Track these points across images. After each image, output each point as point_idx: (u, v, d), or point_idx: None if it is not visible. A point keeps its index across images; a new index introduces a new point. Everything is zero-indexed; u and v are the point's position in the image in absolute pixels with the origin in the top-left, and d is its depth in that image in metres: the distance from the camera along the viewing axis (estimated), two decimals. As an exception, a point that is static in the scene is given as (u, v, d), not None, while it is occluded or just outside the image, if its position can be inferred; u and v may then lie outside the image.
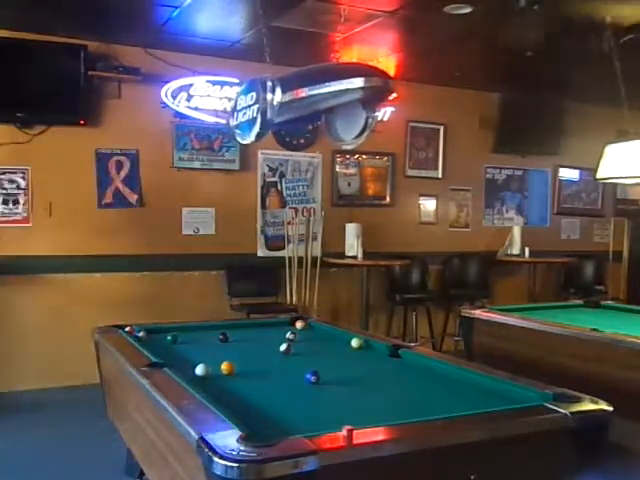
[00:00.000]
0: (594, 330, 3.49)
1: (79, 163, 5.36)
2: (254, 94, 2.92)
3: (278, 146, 6.01)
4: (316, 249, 6.17)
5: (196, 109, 5.54)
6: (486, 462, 1.87)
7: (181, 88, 5.47)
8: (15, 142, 5.15)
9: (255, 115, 2.91)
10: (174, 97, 5.46)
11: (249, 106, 2.96)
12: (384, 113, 6.20)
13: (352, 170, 6.49)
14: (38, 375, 5.20)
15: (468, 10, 4.32)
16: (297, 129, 5.91)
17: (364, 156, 6.51)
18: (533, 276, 6.97)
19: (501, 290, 6.95)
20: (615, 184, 7.29)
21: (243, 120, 3.03)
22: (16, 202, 5.19)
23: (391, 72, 5.75)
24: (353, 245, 5.96)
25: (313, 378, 2.42)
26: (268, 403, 2.23)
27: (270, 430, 1.81)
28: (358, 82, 2.89)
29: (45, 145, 5.24)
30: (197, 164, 5.74)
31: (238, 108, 3.08)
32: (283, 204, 6.15)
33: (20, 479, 3.53)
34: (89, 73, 5.18)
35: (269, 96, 2.84)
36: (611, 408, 2.07)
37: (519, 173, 7.40)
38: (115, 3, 4.41)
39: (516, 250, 6.93)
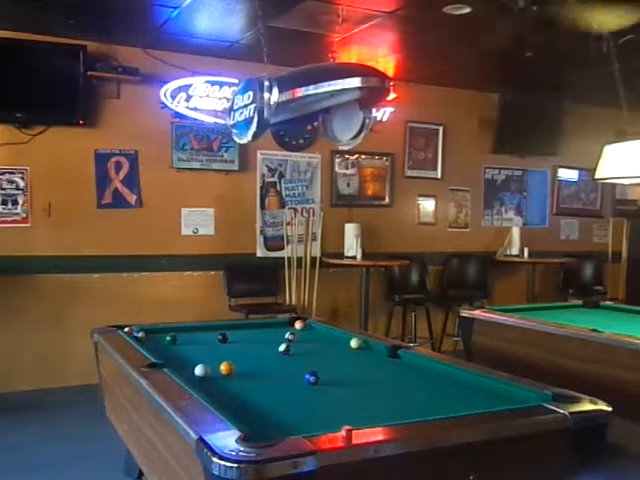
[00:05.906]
0: (593, 330, 3.49)
1: (78, 163, 5.36)
2: (251, 93, 2.91)
3: (277, 146, 6.02)
4: (315, 249, 6.17)
5: (195, 109, 5.55)
6: (485, 462, 1.86)
7: (180, 88, 5.48)
8: (14, 142, 5.15)
9: (252, 114, 2.90)
10: (173, 97, 5.47)
11: (246, 105, 2.96)
12: (383, 113, 6.21)
13: (351, 170, 6.49)
14: (38, 375, 5.20)
15: (467, 10, 4.32)
16: (294, 129, 5.91)
17: (363, 156, 6.51)
18: (532, 276, 6.96)
19: (500, 290, 6.95)
20: (614, 184, 7.29)
21: (240, 119, 3.03)
22: (15, 202, 5.18)
23: (390, 73, 5.75)
24: (352, 245, 5.96)
25: (312, 378, 2.42)
26: (267, 403, 2.23)
27: (269, 430, 1.80)
28: (355, 82, 2.88)
29: (44, 145, 5.24)
30: (196, 164, 5.74)
31: (235, 107, 3.08)
32: (282, 204, 6.15)
33: (20, 479, 3.53)
34: (88, 73, 5.18)
35: (266, 95, 2.84)
36: (610, 408, 2.07)
37: (518, 173, 7.40)
38: (114, 3, 4.41)
39: (515, 250, 6.93)
